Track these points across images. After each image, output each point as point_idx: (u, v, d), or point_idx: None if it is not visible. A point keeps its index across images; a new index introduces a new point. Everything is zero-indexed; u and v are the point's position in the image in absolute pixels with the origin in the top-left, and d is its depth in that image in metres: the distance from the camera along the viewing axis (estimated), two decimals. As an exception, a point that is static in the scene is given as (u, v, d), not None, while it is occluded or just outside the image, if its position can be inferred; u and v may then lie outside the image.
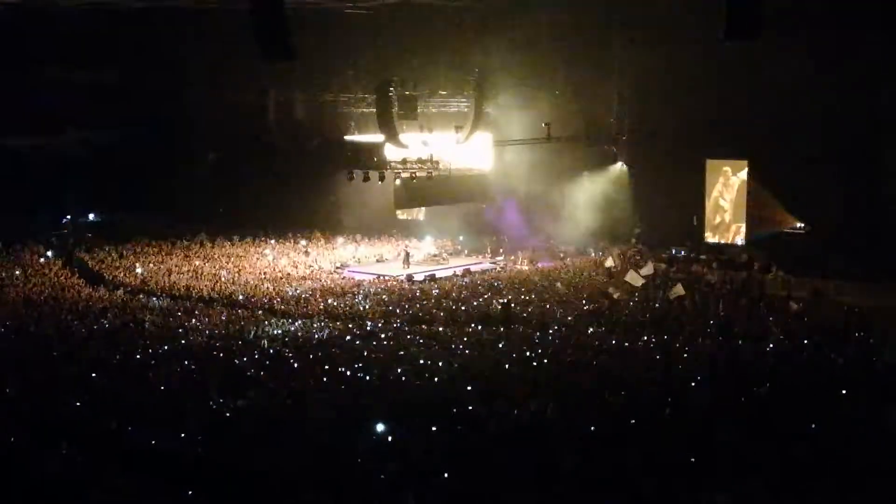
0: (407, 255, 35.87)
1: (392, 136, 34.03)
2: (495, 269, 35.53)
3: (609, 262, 31.25)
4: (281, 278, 33.31)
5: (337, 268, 36.12)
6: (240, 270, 34.66)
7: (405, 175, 35.21)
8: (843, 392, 16.86)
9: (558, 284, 29.84)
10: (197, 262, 36.11)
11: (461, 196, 37.71)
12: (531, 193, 38.67)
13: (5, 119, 51.27)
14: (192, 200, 49.17)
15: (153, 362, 20.61)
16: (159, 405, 16.84)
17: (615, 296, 27.47)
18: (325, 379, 18.95)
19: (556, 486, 12.58)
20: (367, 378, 19.03)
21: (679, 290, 28.05)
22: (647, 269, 29.87)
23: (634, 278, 28.14)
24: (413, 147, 35.15)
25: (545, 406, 16.31)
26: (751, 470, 13.09)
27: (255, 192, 46.81)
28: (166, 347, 22.11)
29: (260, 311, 27.33)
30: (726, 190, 35.82)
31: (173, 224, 45.66)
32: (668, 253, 35.14)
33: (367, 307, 27.97)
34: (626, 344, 22.04)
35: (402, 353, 21.31)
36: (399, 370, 19.48)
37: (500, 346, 22.22)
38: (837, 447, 14.07)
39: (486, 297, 29.01)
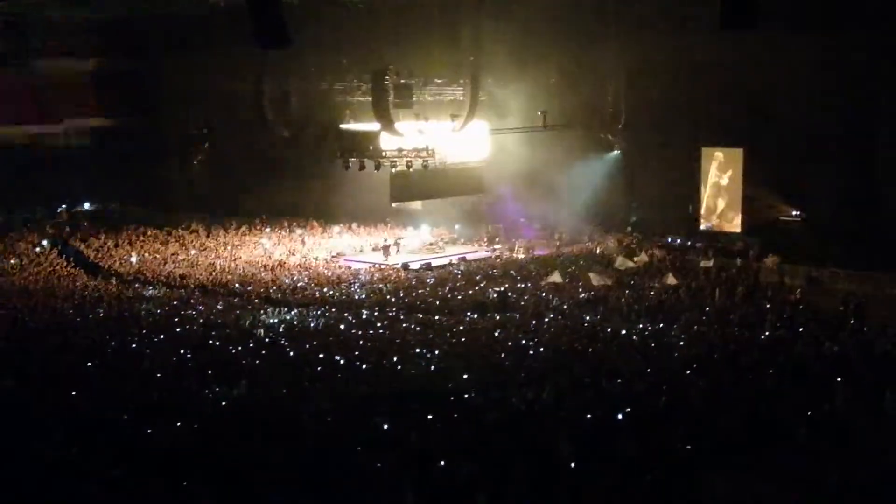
0: (386, 247, 35.89)
1: (388, 124, 33.91)
2: (491, 257, 35.52)
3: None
4: (277, 267, 33.27)
5: (333, 256, 36.10)
6: (235, 259, 34.62)
7: (401, 166, 35.10)
8: (839, 380, 16.88)
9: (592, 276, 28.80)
10: (192, 251, 36.06)
11: (457, 189, 37.61)
12: (527, 181, 38.59)
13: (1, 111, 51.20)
14: (187, 189, 49.14)
15: (148, 351, 20.60)
16: (154, 395, 16.84)
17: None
18: (320, 368, 18.95)
19: (552, 473, 12.59)
20: (363, 367, 19.04)
21: (670, 279, 28.00)
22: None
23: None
24: (409, 135, 35.04)
25: (541, 394, 16.34)
26: (747, 459, 13.13)
27: (250, 180, 46.75)
28: (162, 336, 22.09)
29: (256, 300, 27.29)
30: (722, 176, 35.77)
31: (168, 213, 45.62)
32: (663, 241, 35.13)
33: (362, 296, 27.96)
34: (623, 332, 22.04)
35: (397, 341, 21.32)
36: (395, 359, 19.49)
37: (496, 334, 22.22)
38: (834, 436, 14.11)
39: (481, 285, 29.00)
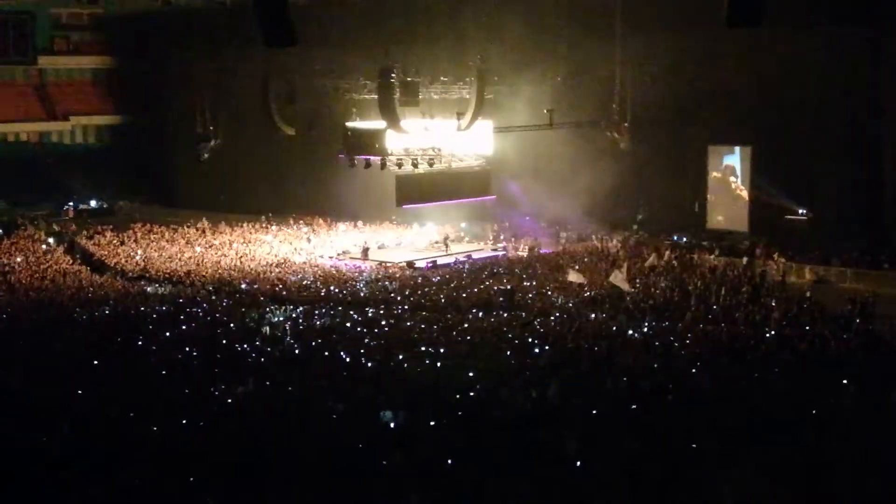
0: (366, 249, 35.84)
1: (394, 122, 33.88)
2: (497, 255, 35.51)
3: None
4: (283, 265, 33.30)
5: (338, 254, 36.13)
6: (241, 257, 34.65)
7: (407, 165, 35.06)
8: (845, 379, 16.86)
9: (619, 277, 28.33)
10: (198, 249, 36.10)
11: (463, 192, 37.55)
12: (533, 179, 38.61)
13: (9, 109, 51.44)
14: (193, 187, 49.25)
15: (154, 349, 20.63)
16: (160, 392, 16.86)
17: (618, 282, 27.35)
18: (326, 366, 18.95)
19: (559, 471, 12.60)
20: (369, 365, 19.04)
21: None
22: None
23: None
24: (415, 134, 35.03)
25: (547, 392, 16.33)
26: (753, 455, 13.12)
27: (256, 178, 46.85)
28: (167, 334, 22.11)
29: (262, 298, 27.30)
30: (729, 175, 35.76)
31: (175, 210, 45.76)
32: (669, 239, 35.06)
33: (368, 294, 27.97)
34: (629, 331, 22.01)
35: (404, 340, 21.30)
36: (401, 357, 19.48)
37: (503, 331, 22.20)
38: (839, 433, 14.10)
39: (487, 283, 28.98)
